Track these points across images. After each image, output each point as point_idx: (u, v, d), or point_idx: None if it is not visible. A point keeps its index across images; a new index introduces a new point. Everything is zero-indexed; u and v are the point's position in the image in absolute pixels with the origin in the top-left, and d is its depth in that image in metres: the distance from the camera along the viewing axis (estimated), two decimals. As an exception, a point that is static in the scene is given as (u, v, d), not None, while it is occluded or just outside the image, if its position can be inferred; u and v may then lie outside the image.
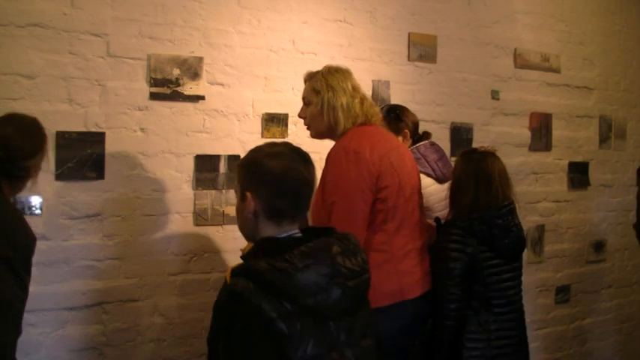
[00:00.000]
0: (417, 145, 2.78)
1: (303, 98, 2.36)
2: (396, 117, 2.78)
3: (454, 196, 2.42)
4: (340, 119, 2.25)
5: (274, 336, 1.34)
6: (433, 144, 2.83)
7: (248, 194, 1.50)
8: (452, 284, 2.28)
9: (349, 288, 1.44)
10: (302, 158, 1.53)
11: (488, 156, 2.41)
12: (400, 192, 2.22)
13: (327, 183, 2.17)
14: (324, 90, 2.27)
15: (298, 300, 1.37)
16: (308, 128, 2.37)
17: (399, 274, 2.20)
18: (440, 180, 2.73)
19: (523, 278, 3.67)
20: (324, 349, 1.40)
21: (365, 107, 2.29)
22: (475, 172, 2.37)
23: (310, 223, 2.23)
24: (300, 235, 1.53)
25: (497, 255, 2.33)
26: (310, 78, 2.35)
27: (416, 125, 2.84)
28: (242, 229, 1.58)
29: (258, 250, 1.47)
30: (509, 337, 2.37)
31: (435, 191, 2.71)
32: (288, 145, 1.56)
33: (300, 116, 2.39)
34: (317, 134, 2.38)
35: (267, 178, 1.49)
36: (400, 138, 2.74)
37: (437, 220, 2.51)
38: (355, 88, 2.31)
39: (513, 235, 2.35)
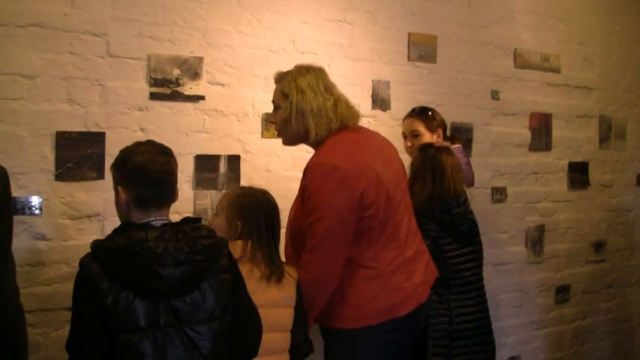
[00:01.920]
0: (452, 147, 2.83)
1: (273, 102, 2.22)
2: (433, 117, 2.85)
3: (412, 187, 2.58)
4: (310, 126, 2.09)
5: (100, 306, 1.55)
6: (463, 148, 2.90)
7: (119, 188, 1.73)
8: None
9: (164, 274, 1.58)
10: (163, 152, 1.75)
11: (442, 151, 2.63)
12: (389, 203, 2.10)
13: (306, 198, 2.05)
14: (292, 93, 2.11)
15: (119, 276, 1.58)
16: (279, 135, 2.25)
17: (388, 291, 2.10)
18: (468, 184, 2.87)
19: (522, 278, 3.70)
20: (149, 323, 1.58)
21: (340, 110, 2.13)
22: (431, 165, 2.59)
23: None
24: (159, 222, 1.70)
25: (455, 240, 2.57)
26: (280, 79, 2.20)
27: (445, 126, 2.93)
28: (120, 218, 1.79)
29: (115, 230, 1.68)
30: (469, 313, 2.58)
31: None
32: (151, 142, 1.79)
33: (270, 121, 2.28)
34: (288, 141, 2.24)
35: (132, 171, 1.71)
36: (435, 137, 2.82)
37: None
38: (328, 89, 2.15)
39: (469, 222, 2.61)
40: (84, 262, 1.62)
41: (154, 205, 1.72)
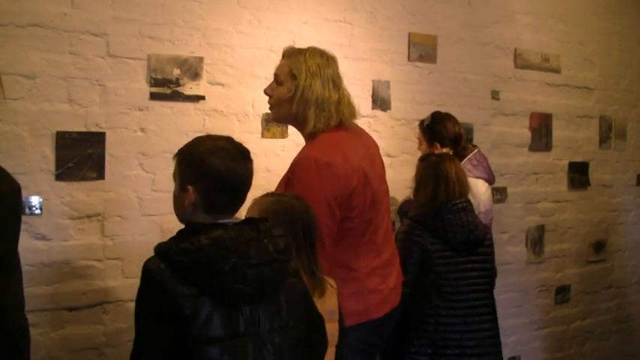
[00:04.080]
0: (474, 152, 2.94)
1: (276, 75, 2.12)
2: (429, 129, 2.90)
3: (416, 195, 2.62)
4: (310, 116, 2.03)
5: (175, 315, 1.40)
6: (476, 155, 2.97)
7: (189, 187, 1.55)
8: (404, 271, 2.37)
9: (252, 275, 1.46)
10: (243, 156, 1.58)
11: (444, 158, 2.64)
12: (373, 205, 2.08)
13: (292, 191, 1.98)
14: (301, 77, 2.03)
15: (198, 281, 1.42)
16: (270, 108, 2.17)
17: (365, 292, 2.08)
18: (491, 183, 2.96)
19: (523, 278, 3.69)
20: (229, 333, 1.44)
21: (341, 107, 2.08)
22: (434, 172, 2.58)
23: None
24: (228, 222, 1.55)
25: (450, 247, 2.53)
26: (290, 55, 2.11)
27: (457, 137, 2.91)
28: (178, 215, 1.64)
29: (181, 232, 1.53)
30: (455, 324, 2.53)
31: (489, 194, 2.94)
32: (229, 140, 1.61)
33: (265, 92, 2.15)
34: (279, 118, 2.20)
35: (208, 174, 1.54)
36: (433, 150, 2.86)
37: (399, 212, 2.82)
38: (335, 83, 2.09)
39: (465, 230, 2.54)
40: (152, 266, 1.45)
41: (224, 211, 1.57)
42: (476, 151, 2.97)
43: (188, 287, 1.41)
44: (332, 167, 1.97)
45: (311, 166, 1.98)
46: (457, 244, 2.53)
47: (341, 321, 1.92)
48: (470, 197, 2.66)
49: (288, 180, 2.04)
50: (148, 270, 1.46)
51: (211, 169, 1.53)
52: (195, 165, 1.56)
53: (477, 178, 2.88)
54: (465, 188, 2.60)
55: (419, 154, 2.93)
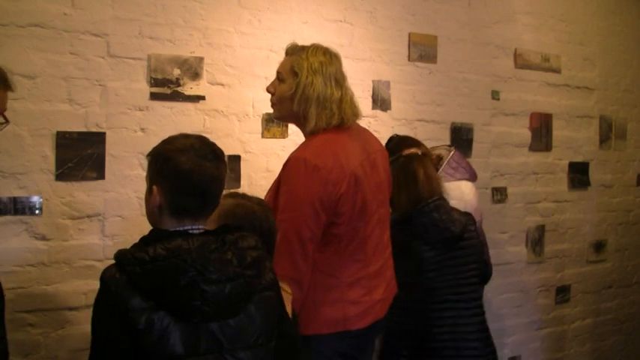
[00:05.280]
0: (451, 155, 2.85)
1: (278, 72, 2.09)
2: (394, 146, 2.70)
3: (393, 197, 2.53)
4: (312, 114, 2.00)
5: (129, 329, 1.30)
6: (456, 149, 2.91)
7: (154, 188, 1.47)
8: None
9: (210, 292, 1.35)
10: (213, 154, 1.49)
11: (413, 159, 2.57)
12: (362, 213, 2.02)
13: (281, 194, 1.96)
14: (303, 74, 2.00)
15: (153, 294, 1.32)
16: (272, 106, 2.14)
17: (344, 302, 2.00)
18: (474, 180, 2.89)
19: (523, 278, 3.69)
20: (189, 352, 1.33)
21: (343, 106, 2.03)
22: (403, 173, 2.52)
23: None
24: (196, 230, 1.46)
25: (430, 248, 2.49)
26: (292, 52, 2.08)
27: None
28: (149, 220, 1.55)
29: (142, 238, 1.43)
30: (434, 318, 2.49)
31: (474, 192, 2.86)
32: (200, 138, 1.52)
33: (268, 90, 2.12)
34: (281, 117, 2.16)
35: (173, 174, 1.44)
36: None
37: None
38: (338, 81, 2.05)
39: (439, 229, 2.49)
40: (108, 276, 1.36)
41: (190, 215, 1.46)
42: (452, 153, 2.87)
43: (144, 300, 1.31)
44: (320, 170, 1.92)
45: (300, 166, 1.93)
46: (434, 243, 2.50)
47: (297, 327, 1.83)
48: (455, 202, 2.63)
49: (279, 180, 2.01)
50: (103, 279, 1.36)
51: (176, 168, 1.43)
52: (161, 163, 1.47)
53: (459, 180, 2.80)
54: (436, 186, 2.56)
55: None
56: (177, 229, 1.44)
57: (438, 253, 2.51)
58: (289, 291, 1.86)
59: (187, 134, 1.55)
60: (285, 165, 2.00)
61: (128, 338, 1.31)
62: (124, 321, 1.31)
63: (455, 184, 2.75)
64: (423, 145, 2.68)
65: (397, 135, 2.78)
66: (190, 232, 1.44)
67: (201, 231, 1.46)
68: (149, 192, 1.50)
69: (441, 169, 2.80)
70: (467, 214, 2.68)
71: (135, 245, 1.43)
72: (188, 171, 1.43)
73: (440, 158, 2.86)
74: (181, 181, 1.44)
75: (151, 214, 1.52)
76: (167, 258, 1.34)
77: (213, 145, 1.52)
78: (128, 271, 1.34)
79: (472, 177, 2.90)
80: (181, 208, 1.46)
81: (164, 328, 1.32)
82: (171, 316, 1.33)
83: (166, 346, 1.31)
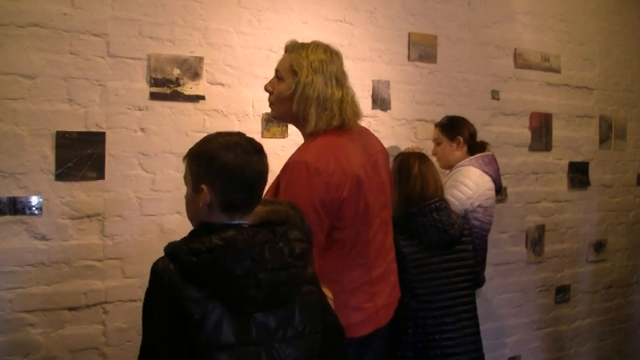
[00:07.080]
0: (488, 153, 2.93)
1: (277, 71, 2.04)
2: (451, 125, 2.95)
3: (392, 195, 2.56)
4: (312, 115, 1.94)
5: (183, 319, 1.33)
6: (489, 156, 2.95)
7: (204, 187, 1.48)
8: None
9: (265, 280, 1.39)
10: (256, 150, 1.53)
11: (411, 156, 2.63)
12: (365, 217, 1.98)
13: (281, 196, 1.91)
14: (302, 73, 1.94)
15: (208, 284, 1.35)
16: (271, 106, 2.08)
17: (347, 308, 1.93)
18: (496, 185, 2.94)
19: (522, 278, 3.69)
20: (240, 340, 1.37)
21: (344, 106, 1.98)
22: (399, 170, 2.57)
23: None
24: (243, 224, 1.49)
25: (425, 248, 2.50)
26: (292, 50, 2.02)
27: (474, 131, 2.99)
28: (192, 220, 1.56)
29: (193, 232, 1.47)
30: (433, 325, 2.50)
31: (493, 196, 2.93)
32: (240, 135, 1.55)
33: (266, 89, 2.07)
34: (279, 116, 2.11)
35: (223, 171, 1.47)
36: (454, 144, 2.91)
37: None
38: (339, 80, 2.00)
39: (439, 230, 2.51)
40: (160, 267, 1.39)
41: (240, 210, 1.50)
42: (491, 153, 2.96)
43: (198, 290, 1.35)
44: (322, 174, 1.86)
45: (301, 170, 1.88)
46: (431, 244, 2.50)
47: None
48: (472, 184, 2.71)
49: (279, 182, 1.96)
50: (156, 270, 1.40)
51: (226, 164, 1.46)
52: (208, 162, 1.48)
53: (484, 172, 2.86)
54: (437, 186, 2.57)
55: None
56: (228, 223, 1.47)
57: (432, 255, 2.51)
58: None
59: (222, 132, 1.57)
60: (284, 168, 1.96)
61: (181, 329, 1.33)
62: (178, 311, 1.33)
63: (481, 172, 2.84)
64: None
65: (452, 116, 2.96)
66: (234, 223, 1.48)
67: (252, 223, 1.51)
68: (196, 191, 1.50)
69: (480, 155, 2.89)
70: (464, 218, 2.70)
71: (185, 238, 1.45)
72: (239, 167, 1.47)
73: (485, 145, 2.98)
74: (232, 177, 1.47)
75: (198, 213, 1.52)
76: (224, 247, 1.37)
77: (253, 140, 1.56)
78: (182, 262, 1.37)
79: (497, 182, 2.94)
80: (232, 204, 1.49)
81: (218, 318, 1.35)
82: (224, 305, 1.36)
83: (219, 336, 1.34)
